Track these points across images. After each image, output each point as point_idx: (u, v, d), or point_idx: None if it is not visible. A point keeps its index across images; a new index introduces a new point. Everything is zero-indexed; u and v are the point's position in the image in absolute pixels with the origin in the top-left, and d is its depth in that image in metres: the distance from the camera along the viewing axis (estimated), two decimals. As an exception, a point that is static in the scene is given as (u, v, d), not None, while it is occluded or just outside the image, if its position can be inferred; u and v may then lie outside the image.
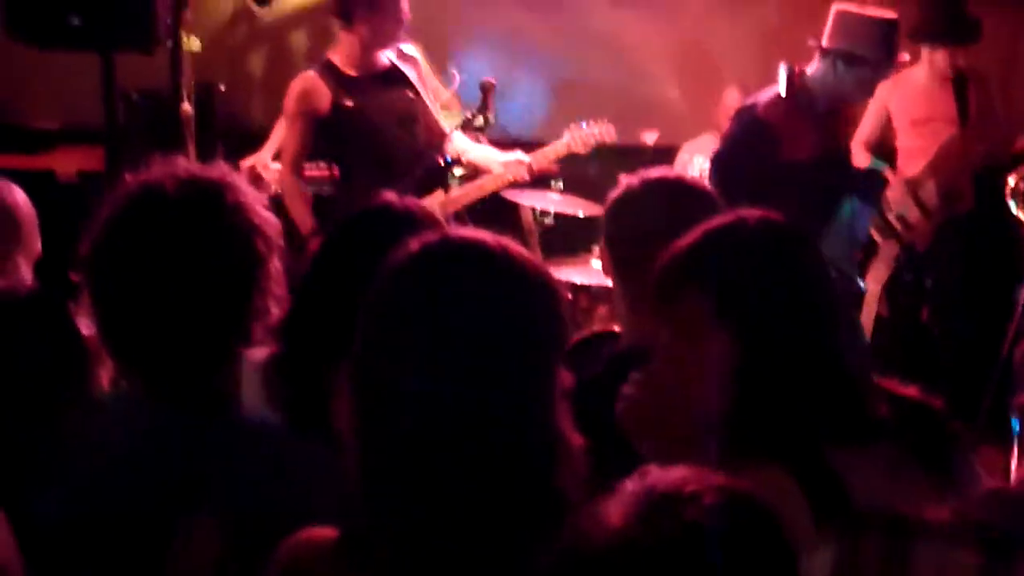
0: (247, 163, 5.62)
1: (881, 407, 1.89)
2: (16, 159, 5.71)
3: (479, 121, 4.88)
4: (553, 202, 5.43)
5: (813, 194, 3.91)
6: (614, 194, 2.47)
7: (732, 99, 5.92)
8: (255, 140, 6.09)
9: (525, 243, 5.52)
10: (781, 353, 1.80)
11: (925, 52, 5.49)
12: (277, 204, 4.87)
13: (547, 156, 5.04)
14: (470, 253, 1.48)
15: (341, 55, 4.64)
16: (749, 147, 4.05)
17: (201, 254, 1.76)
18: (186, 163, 1.86)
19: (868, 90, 4.25)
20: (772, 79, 4.03)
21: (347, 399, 1.46)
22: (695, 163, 5.88)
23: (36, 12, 4.02)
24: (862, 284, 4.56)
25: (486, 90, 4.85)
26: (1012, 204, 4.93)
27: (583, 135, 5.06)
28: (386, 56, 4.68)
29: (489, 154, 4.97)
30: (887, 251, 4.71)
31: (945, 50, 5.45)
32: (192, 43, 5.63)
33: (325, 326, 2.05)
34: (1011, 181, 4.71)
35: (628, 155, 5.37)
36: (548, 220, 5.60)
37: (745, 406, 1.82)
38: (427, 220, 2.23)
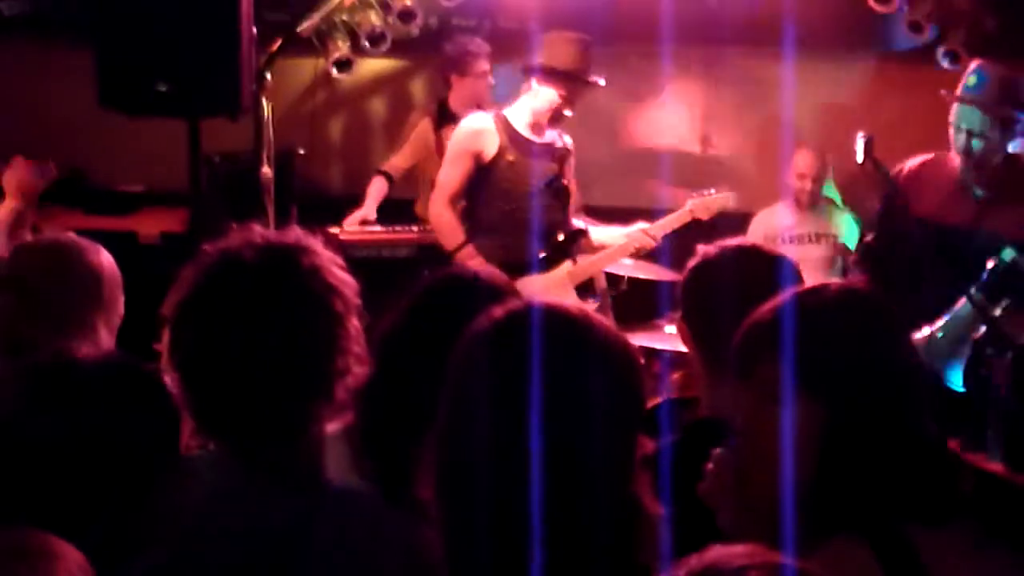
0: (349, 220, 5.70)
1: (966, 483, 1.86)
2: (101, 220, 5.85)
3: (555, 186, 4.93)
4: (626, 267, 5.43)
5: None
6: (692, 263, 2.47)
7: (803, 162, 5.90)
8: (333, 205, 6.20)
9: (599, 308, 5.59)
10: (864, 423, 1.78)
11: None
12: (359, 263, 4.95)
13: (670, 224, 5.08)
14: (552, 322, 1.48)
15: (514, 113, 4.77)
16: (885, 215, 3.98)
17: (280, 317, 1.79)
18: (262, 230, 1.89)
19: None
20: (842, 146, 4.01)
21: (431, 469, 1.47)
22: (767, 231, 5.86)
23: (127, 80, 4.13)
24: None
25: (563, 158, 4.93)
26: None
27: (706, 202, 5.11)
28: (550, 132, 4.83)
29: (611, 231, 5.09)
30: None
31: None
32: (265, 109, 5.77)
33: (407, 395, 2.06)
34: None
35: (702, 222, 5.37)
36: (622, 285, 5.60)
37: (827, 479, 1.79)
38: (506, 290, 2.24)
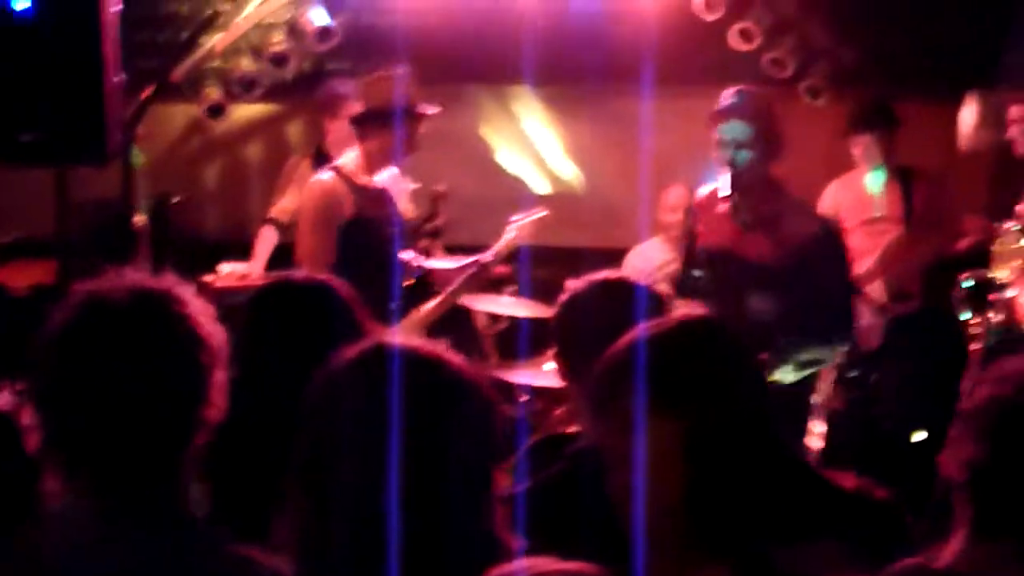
0: (229, 271, 5.63)
1: (829, 501, 1.91)
2: (-34, 274, 5.70)
3: (429, 228, 4.93)
4: (505, 305, 5.47)
5: None
6: (562, 298, 2.50)
7: (675, 198, 5.99)
8: (209, 252, 6.13)
9: (480, 347, 5.61)
10: (721, 437, 1.84)
11: (860, 148, 5.65)
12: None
13: (499, 252, 5.06)
14: (405, 361, 1.49)
15: (353, 163, 4.67)
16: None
17: (143, 363, 1.76)
18: (135, 274, 1.87)
19: None
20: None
21: (289, 509, 1.47)
22: (642, 266, 5.94)
23: (-12, 130, 4.05)
24: None
25: (437, 199, 4.91)
26: (961, 309, 5.01)
27: (520, 225, 5.09)
28: (390, 173, 4.75)
29: (447, 265, 5.05)
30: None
31: (873, 137, 5.62)
32: (137, 157, 5.70)
33: (262, 439, 2.05)
34: (963, 284, 4.78)
35: (578, 259, 5.43)
36: (501, 324, 5.63)
37: (692, 500, 1.84)
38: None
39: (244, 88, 5.85)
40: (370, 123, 4.59)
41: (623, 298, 2.41)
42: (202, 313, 1.86)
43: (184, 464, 1.83)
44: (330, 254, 4.59)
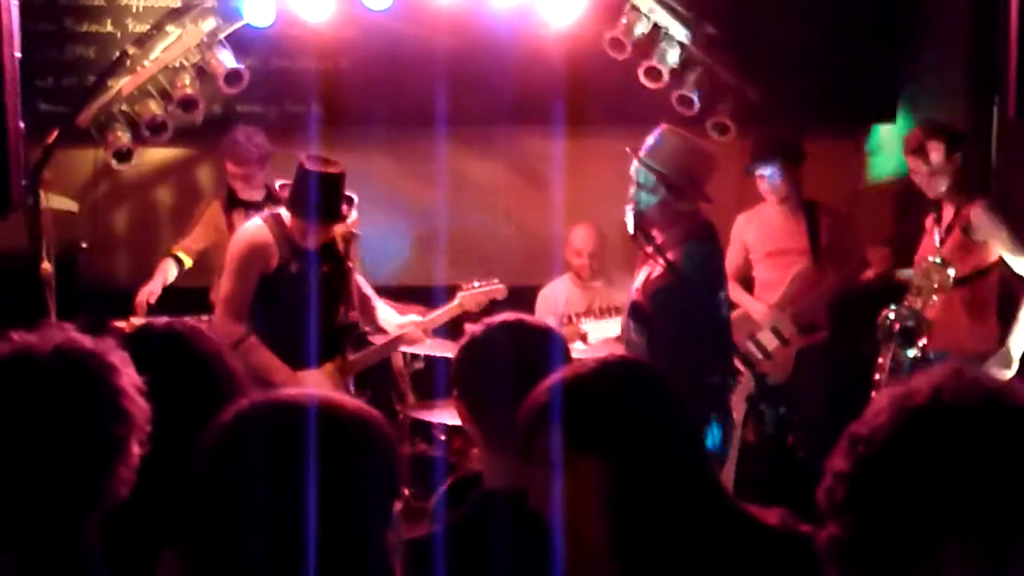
0: (137, 301, 5.57)
1: (754, 539, 1.93)
2: None
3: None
4: (422, 346, 5.46)
5: None
6: (461, 342, 2.50)
7: (579, 238, 6.05)
8: (120, 298, 6.02)
9: (397, 387, 5.59)
10: (645, 480, 1.86)
11: (764, 181, 5.76)
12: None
13: (441, 319, 5.11)
14: (279, 419, 1.48)
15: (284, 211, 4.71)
16: None
17: (54, 428, 1.72)
18: (69, 332, 1.82)
19: None
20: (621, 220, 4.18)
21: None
22: (551, 306, 5.98)
23: None
24: None
25: (348, 240, 4.91)
26: (885, 342, 5.12)
27: (474, 294, 5.13)
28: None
29: (387, 314, 5.06)
30: (745, 384, 4.85)
31: (775, 170, 5.74)
32: (66, 203, 5.61)
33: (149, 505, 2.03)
34: (889, 316, 4.90)
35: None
36: (418, 363, 5.63)
37: (615, 543, 1.86)
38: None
39: (152, 132, 5.78)
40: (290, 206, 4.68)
41: (522, 340, 2.40)
42: (131, 385, 1.81)
43: (86, 529, 1.78)
44: (247, 300, 4.61)
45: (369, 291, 5.08)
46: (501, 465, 2.33)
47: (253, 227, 4.72)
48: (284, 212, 4.71)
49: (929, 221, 5.14)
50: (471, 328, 2.51)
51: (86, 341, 1.81)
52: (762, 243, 5.86)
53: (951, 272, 4.76)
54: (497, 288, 5.14)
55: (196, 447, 1.49)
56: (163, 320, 2.37)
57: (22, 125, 4.26)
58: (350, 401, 1.55)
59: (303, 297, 4.62)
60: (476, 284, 5.19)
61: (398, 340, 5.05)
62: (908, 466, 1.39)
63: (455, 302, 5.13)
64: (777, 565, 1.91)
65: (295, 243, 4.68)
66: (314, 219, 4.62)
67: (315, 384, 4.64)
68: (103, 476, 1.76)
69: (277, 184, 4.91)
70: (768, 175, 5.70)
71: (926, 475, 1.38)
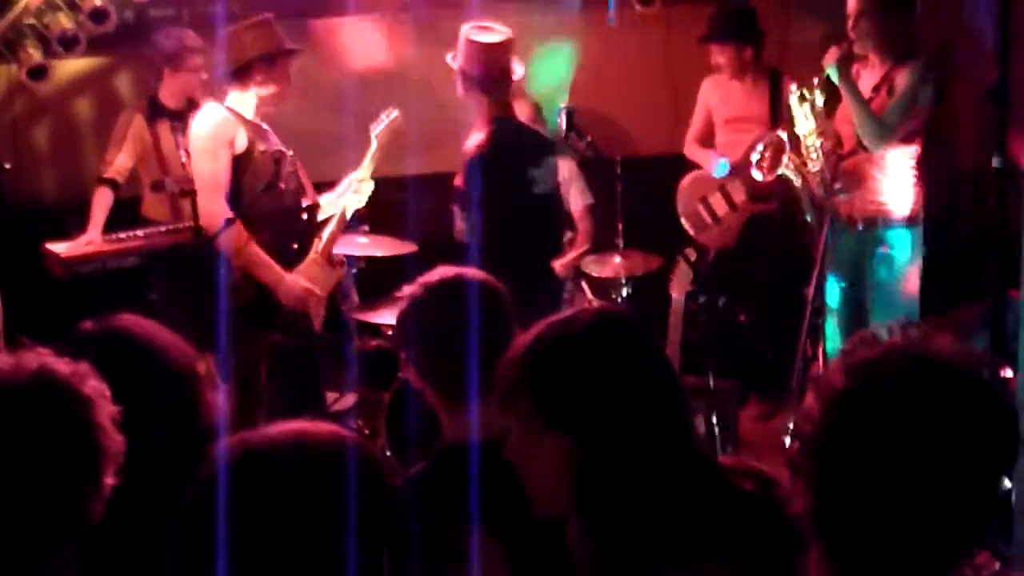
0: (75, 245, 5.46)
1: (728, 510, 1.88)
2: None
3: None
4: (361, 246, 5.44)
5: None
6: (402, 306, 2.51)
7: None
8: (47, 216, 5.93)
9: (339, 286, 5.55)
10: (612, 457, 1.85)
11: (723, 58, 5.78)
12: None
13: (371, 160, 4.97)
14: (258, 464, 1.45)
15: (239, 104, 4.59)
16: None
17: (23, 458, 1.68)
18: (44, 358, 1.76)
19: None
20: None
21: None
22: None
23: None
24: None
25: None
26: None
27: (383, 130, 5.00)
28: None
29: (327, 197, 4.99)
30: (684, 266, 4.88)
31: (730, 48, 5.74)
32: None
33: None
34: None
35: (432, 185, 5.42)
36: (361, 263, 5.61)
37: (586, 506, 1.87)
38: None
39: (64, 46, 5.61)
40: (256, 68, 4.55)
41: (463, 294, 2.40)
42: (106, 417, 1.75)
43: (53, 562, 1.75)
44: (226, 178, 4.51)
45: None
46: (455, 421, 2.36)
47: (212, 108, 4.61)
48: (232, 104, 4.59)
49: (852, 72, 5.13)
50: (409, 288, 2.50)
51: (62, 369, 1.76)
52: (723, 109, 5.97)
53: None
54: (395, 116, 5.02)
55: (186, 494, 1.46)
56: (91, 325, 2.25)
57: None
58: (325, 435, 1.50)
59: (275, 179, 4.59)
60: (381, 117, 5.05)
61: (354, 199, 4.94)
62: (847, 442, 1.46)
63: (373, 141, 5.00)
64: (751, 530, 1.87)
65: (254, 123, 4.60)
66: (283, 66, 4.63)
67: (309, 278, 4.65)
68: (74, 509, 1.73)
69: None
70: (728, 52, 5.76)
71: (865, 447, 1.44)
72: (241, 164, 4.52)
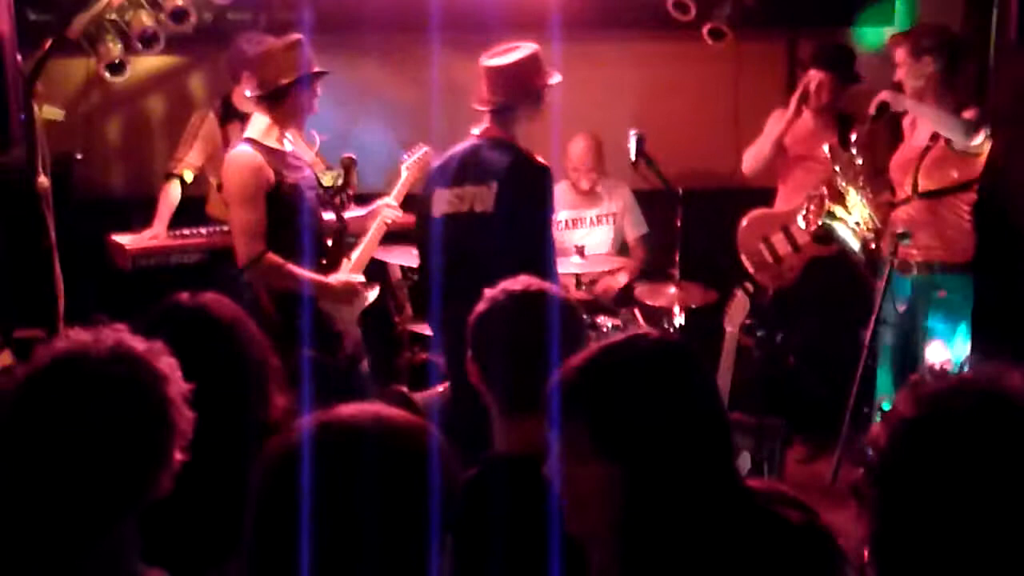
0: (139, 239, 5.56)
1: (773, 539, 1.88)
2: None
3: (345, 195, 4.94)
4: (415, 258, 5.48)
5: None
6: (479, 307, 2.51)
7: (576, 150, 6.10)
8: (116, 208, 6.04)
9: (395, 298, 5.61)
10: (660, 487, 1.84)
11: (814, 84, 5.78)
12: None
13: (403, 190, 5.09)
14: (341, 440, 1.48)
15: (262, 132, 4.64)
16: None
17: (100, 433, 1.74)
18: (121, 334, 1.84)
19: None
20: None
21: None
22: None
23: None
24: None
25: (348, 166, 4.91)
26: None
27: (410, 164, 5.12)
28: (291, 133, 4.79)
29: (356, 213, 5.05)
30: (741, 299, 4.87)
31: (830, 78, 5.78)
32: (54, 113, 5.56)
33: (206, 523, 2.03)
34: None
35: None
36: (413, 276, 5.65)
37: (630, 532, 1.85)
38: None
39: (143, 43, 5.71)
40: (289, 92, 4.59)
41: (543, 308, 2.41)
42: (178, 394, 1.83)
43: (124, 532, 1.81)
44: (263, 224, 4.57)
45: None
46: (510, 431, 2.38)
47: (241, 151, 4.65)
48: (255, 132, 4.64)
49: (907, 122, 5.12)
50: (490, 292, 2.52)
51: (138, 345, 1.82)
52: (790, 144, 5.90)
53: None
54: (425, 151, 5.12)
55: (258, 466, 1.49)
56: (186, 297, 2.34)
57: (20, 59, 4.20)
58: (402, 418, 1.54)
59: (303, 205, 4.64)
60: (410, 152, 5.18)
61: (382, 223, 5.01)
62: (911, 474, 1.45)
63: (404, 175, 5.11)
64: (794, 562, 1.86)
65: (279, 152, 4.64)
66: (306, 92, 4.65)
67: (343, 287, 4.72)
68: (144, 482, 1.79)
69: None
70: (819, 80, 5.75)
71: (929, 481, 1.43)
72: (270, 200, 4.58)
